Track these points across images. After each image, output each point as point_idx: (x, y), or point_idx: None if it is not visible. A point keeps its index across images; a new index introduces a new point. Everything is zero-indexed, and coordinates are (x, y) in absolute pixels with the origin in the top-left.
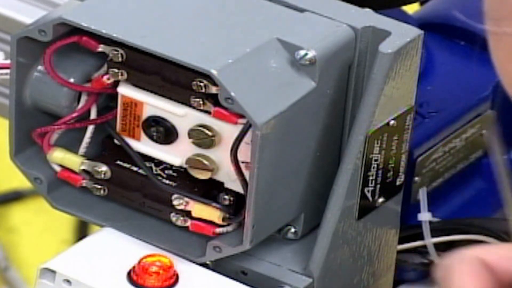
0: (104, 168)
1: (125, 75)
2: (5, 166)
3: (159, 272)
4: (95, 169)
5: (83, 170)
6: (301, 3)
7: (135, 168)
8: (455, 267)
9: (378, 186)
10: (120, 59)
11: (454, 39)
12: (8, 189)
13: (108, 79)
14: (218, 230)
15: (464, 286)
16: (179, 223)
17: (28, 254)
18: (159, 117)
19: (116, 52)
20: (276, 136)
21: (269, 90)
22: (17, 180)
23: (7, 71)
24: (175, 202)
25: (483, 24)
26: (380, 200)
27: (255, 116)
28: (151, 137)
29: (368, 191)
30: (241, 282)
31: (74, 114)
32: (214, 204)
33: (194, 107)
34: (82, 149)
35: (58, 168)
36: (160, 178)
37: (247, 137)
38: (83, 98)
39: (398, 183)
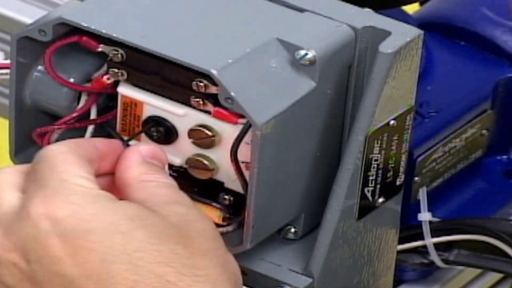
0: None
1: (125, 75)
2: (5, 166)
3: None
4: None
5: None
6: (301, 3)
7: None
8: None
9: (378, 186)
10: (120, 59)
11: (454, 39)
12: None
13: (108, 79)
14: (218, 230)
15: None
16: None
17: None
18: (159, 117)
19: (116, 52)
20: (276, 136)
21: (269, 90)
22: None
23: (7, 71)
24: None
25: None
26: (380, 200)
27: (255, 116)
28: (151, 137)
29: (368, 191)
30: None
31: (74, 114)
32: (214, 204)
33: (194, 107)
34: None
35: None
36: None
37: (247, 137)
38: (83, 98)
39: (398, 183)
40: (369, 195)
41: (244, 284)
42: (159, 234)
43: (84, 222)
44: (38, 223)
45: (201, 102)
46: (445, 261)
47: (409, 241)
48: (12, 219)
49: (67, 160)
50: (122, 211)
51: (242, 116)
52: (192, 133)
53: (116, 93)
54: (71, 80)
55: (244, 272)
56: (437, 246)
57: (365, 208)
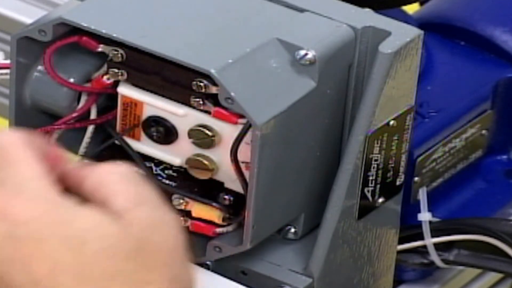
0: None
1: (125, 75)
2: None
3: None
4: None
5: None
6: (301, 3)
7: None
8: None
9: (378, 186)
10: (120, 59)
11: (454, 39)
12: None
13: (108, 79)
14: (218, 230)
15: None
16: None
17: None
18: (159, 117)
19: (116, 52)
20: (276, 136)
21: (269, 90)
22: None
23: (7, 71)
24: (175, 202)
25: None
26: (380, 200)
27: (255, 116)
28: (151, 137)
29: (368, 191)
30: (241, 282)
31: (74, 114)
32: (214, 204)
33: (194, 107)
34: (82, 149)
35: None
36: (160, 178)
37: (247, 137)
38: (83, 98)
39: (398, 183)
40: (369, 195)
41: (244, 284)
42: (111, 247)
43: (40, 230)
44: None
45: (201, 102)
46: (445, 261)
47: (409, 241)
48: None
49: (27, 156)
50: (80, 220)
51: (242, 116)
52: (192, 133)
53: (116, 93)
54: (71, 80)
55: (244, 272)
56: (437, 246)
57: (365, 208)
